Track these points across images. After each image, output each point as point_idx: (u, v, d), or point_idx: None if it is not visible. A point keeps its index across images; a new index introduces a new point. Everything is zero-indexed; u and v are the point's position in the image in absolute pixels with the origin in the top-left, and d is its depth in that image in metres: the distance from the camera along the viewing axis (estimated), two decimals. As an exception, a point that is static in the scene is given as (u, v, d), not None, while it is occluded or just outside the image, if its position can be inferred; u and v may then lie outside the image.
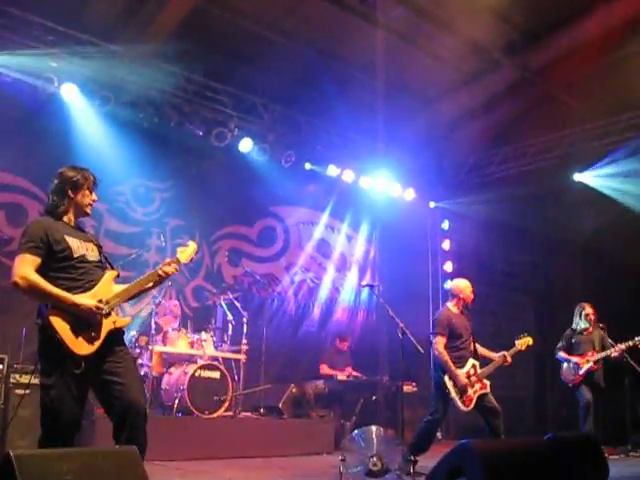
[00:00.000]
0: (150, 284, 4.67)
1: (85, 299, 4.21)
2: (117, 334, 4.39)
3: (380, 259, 13.78)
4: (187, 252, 4.72)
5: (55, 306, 4.15)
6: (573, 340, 9.24)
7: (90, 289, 4.31)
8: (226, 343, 9.62)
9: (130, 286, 4.55)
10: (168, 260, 4.64)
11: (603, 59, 10.09)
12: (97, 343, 4.21)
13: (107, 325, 4.28)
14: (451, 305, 7.53)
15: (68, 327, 4.13)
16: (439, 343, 7.15)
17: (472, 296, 7.53)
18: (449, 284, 7.79)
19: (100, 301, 4.27)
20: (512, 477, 5.03)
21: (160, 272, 4.58)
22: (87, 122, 9.52)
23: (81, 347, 4.14)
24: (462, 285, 7.58)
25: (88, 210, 4.55)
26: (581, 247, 13.87)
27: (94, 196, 4.54)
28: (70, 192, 4.44)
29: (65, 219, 4.46)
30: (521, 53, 10.33)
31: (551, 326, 9.49)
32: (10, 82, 8.88)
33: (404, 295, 11.99)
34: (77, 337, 4.14)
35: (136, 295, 4.71)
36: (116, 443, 4.17)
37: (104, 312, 4.25)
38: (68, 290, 4.21)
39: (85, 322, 4.18)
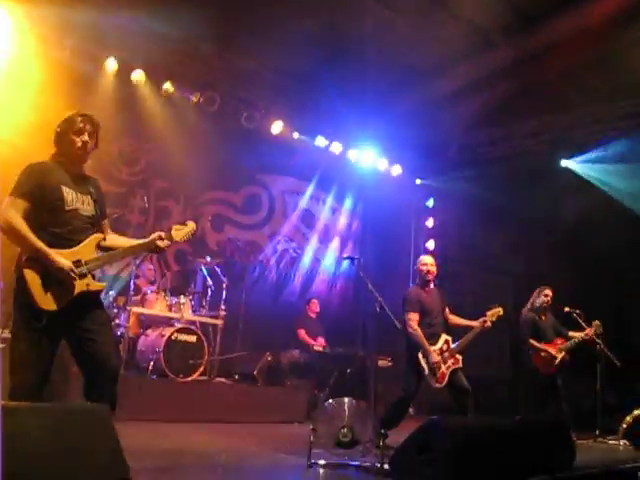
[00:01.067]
0: (139, 252, 4.70)
1: (62, 258, 4.19)
2: (92, 294, 4.37)
3: (363, 233, 13.82)
4: (183, 231, 4.70)
5: (31, 257, 4.14)
6: (538, 326, 9.13)
7: (73, 246, 4.30)
8: (204, 308, 9.64)
9: (115, 252, 4.57)
10: (163, 235, 4.63)
11: (599, 47, 10.06)
12: (64, 302, 4.20)
13: (79, 286, 4.26)
14: (419, 281, 7.56)
15: (39, 280, 4.13)
16: (412, 320, 7.17)
17: (426, 268, 7.45)
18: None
19: (79, 261, 4.26)
20: (479, 455, 5.09)
21: (153, 247, 4.60)
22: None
23: (47, 302, 4.13)
24: (421, 260, 7.65)
25: (79, 152, 4.43)
26: (564, 233, 13.94)
27: (84, 137, 4.41)
28: (58, 139, 4.43)
29: (64, 167, 4.42)
30: (517, 35, 10.27)
31: (529, 309, 9.51)
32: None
33: (385, 270, 12.05)
34: (46, 292, 4.14)
35: (119, 260, 4.73)
36: (86, 399, 4.20)
37: (78, 274, 4.24)
38: (52, 243, 4.19)
39: (57, 279, 4.17)
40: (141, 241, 4.69)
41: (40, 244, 4.14)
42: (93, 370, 4.23)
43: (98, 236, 4.49)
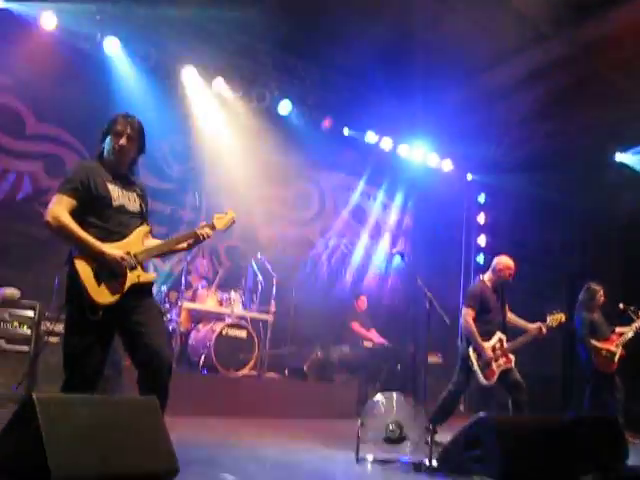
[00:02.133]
0: (184, 245, 4.70)
1: (112, 249, 4.23)
2: (143, 287, 4.41)
3: (414, 229, 13.75)
4: (224, 220, 4.71)
5: (82, 251, 4.18)
6: (594, 324, 8.93)
7: (121, 240, 4.34)
8: (255, 303, 9.71)
9: (162, 243, 4.58)
10: (204, 224, 4.65)
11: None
12: (118, 294, 4.23)
13: (131, 278, 4.30)
14: (486, 278, 7.46)
15: (92, 274, 4.16)
16: (468, 315, 7.12)
17: (509, 277, 7.45)
18: (495, 258, 7.69)
19: (128, 253, 4.29)
20: (528, 452, 5.04)
21: (199, 235, 4.59)
22: (128, 77, 9.59)
23: (101, 295, 4.17)
24: (503, 262, 7.48)
25: (117, 155, 4.44)
26: (619, 228, 13.68)
27: (122, 140, 4.41)
28: (102, 138, 4.47)
29: (108, 165, 4.46)
30: (570, 27, 10.10)
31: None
32: (53, 33, 8.94)
33: (436, 266, 11.97)
34: (99, 285, 4.17)
35: (167, 253, 4.77)
36: (140, 391, 4.23)
37: (129, 265, 4.28)
38: (101, 239, 4.23)
39: (109, 271, 4.20)
40: (183, 233, 4.72)
41: (89, 238, 4.18)
42: (146, 362, 4.23)
43: (145, 228, 4.52)
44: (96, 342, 4.23)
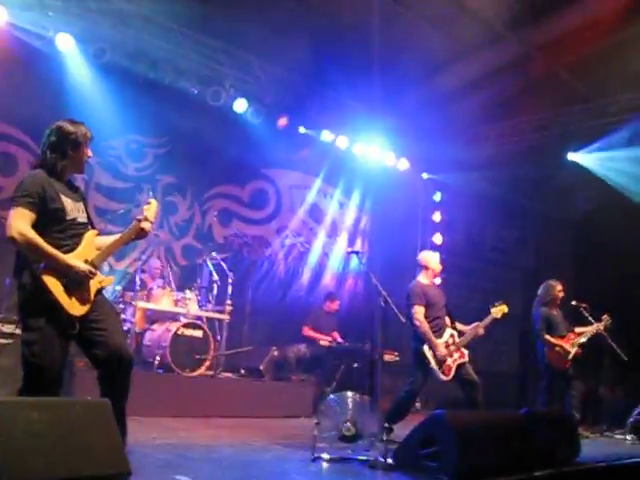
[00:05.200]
0: (129, 240, 4.67)
1: (79, 262, 4.23)
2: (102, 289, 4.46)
3: (371, 227, 13.77)
4: (152, 209, 4.65)
5: (48, 266, 4.14)
6: (551, 321, 9.06)
7: (74, 249, 4.32)
8: (211, 303, 9.63)
9: (111, 244, 4.57)
10: (140, 217, 4.60)
11: (608, 39, 9.98)
12: (88, 304, 4.27)
13: (94, 285, 4.34)
14: (422, 277, 7.56)
15: (61, 288, 4.16)
16: (418, 313, 7.19)
17: (440, 267, 7.65)
18: (419, 256, 7.83)
19: (86, 261, 4.29)
20: (484, 448, 5.09)
21: (140, 228, 4.56)
22: (82, 74, 9.41)
23: (75, 308, 4.20)
24: (430, 256, 7.70)
25: (83, 168, 4.60)
26: (572, 227, 13.89)
27: (89, 152, 4.52)
28: (70, 150, 4.42)
29: (57, 176, 4.42)
30: (525, 28, 10.21)
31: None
32: (3, 30, 8.76)
33: (393, 264, 12.03)
34: (70, 298, 4.18)
35: (115, 251, 4.75)
36: (101, 390, 4.25)
37: (92, 273, 4.28)
38: (57, 250, 4.21)
39: (76, 283, 4.21)
40: (126, 230, 4.67)
41: (56, 252, 4.17)
42: (106, 360, 4.26)
43: (93, 232, 4.53)
44: (58, 350, 4.20)
